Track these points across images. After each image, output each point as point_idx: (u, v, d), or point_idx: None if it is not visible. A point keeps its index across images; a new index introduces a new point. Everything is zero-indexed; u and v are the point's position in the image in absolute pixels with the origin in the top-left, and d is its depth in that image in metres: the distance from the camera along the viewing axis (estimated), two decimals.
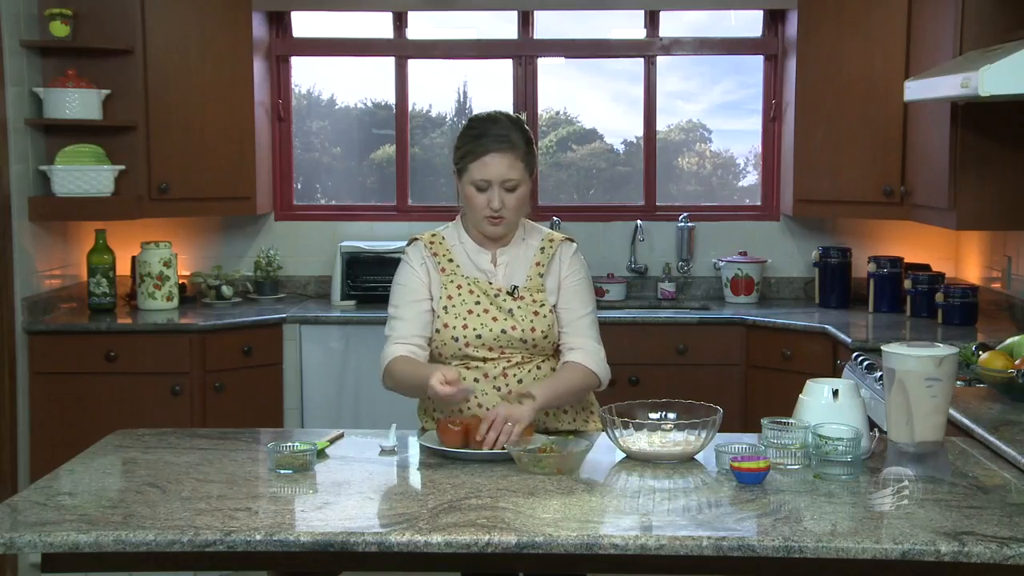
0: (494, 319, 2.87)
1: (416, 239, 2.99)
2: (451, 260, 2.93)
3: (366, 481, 2.47)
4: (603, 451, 2.68)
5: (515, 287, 2.91)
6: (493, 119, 2.89)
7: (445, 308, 2.88)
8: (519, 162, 2.84)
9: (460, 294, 2.89)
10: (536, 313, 2.89)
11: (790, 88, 5.18)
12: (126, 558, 2.17)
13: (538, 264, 2.94)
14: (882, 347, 2.53)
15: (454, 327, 2.86)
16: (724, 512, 2.23)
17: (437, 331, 2.89)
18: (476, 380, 2.87)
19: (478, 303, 2.89)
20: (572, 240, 3.02)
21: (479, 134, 2.85)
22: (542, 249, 2.96)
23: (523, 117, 2.96)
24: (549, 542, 2.09)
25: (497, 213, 2.84)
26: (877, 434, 2.62)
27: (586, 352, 2.91)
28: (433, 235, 2.99)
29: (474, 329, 2.86)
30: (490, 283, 2.91)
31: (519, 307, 2.89)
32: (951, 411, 2.78)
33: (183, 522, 2.16)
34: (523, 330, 2.87)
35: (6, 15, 4.49)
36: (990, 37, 3.93)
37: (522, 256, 2.95)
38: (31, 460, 4.61)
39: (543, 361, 2.93)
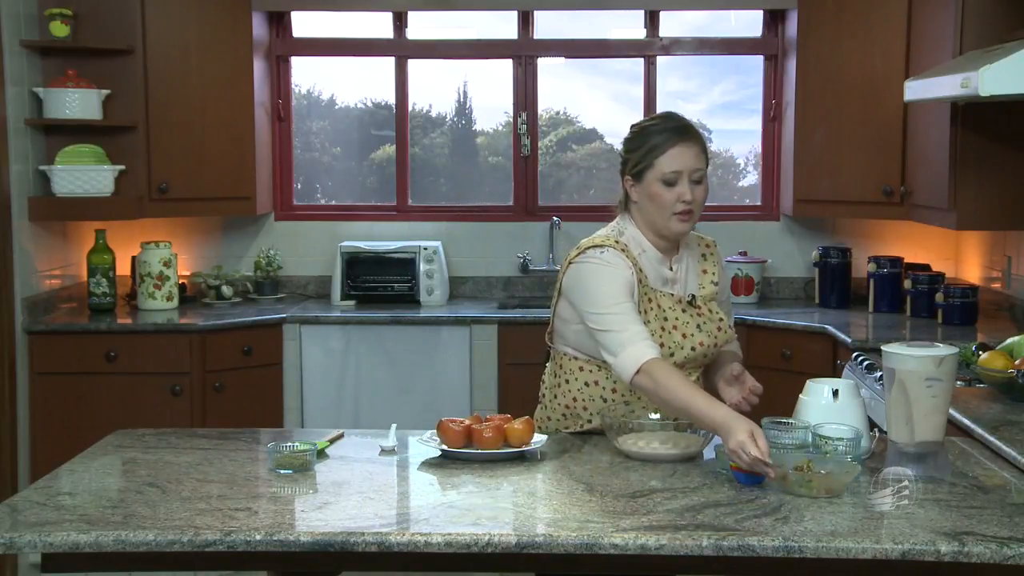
0: (683, 335, 2.79)
1: (601, 245, 2.79)
2: (640, 269, 2.79)
3: (366, 481, 2.47)
4: (603, 451, 2.68)
5: (693, 296, 2.85)
6: (666, 116, 2.83)
7: (644, 323, 2.74)
8: (703, 154, 2.78)
9: (652, 309, 2.78)
10: (719, 328, 2.86)
11: (790, 88, 5.19)
12: (126, 558, 2.17)
13: (705, 272, 2.90)
14: (882, 347, 2.53)
15: None
16: (724, 512, 2.23)
17: None
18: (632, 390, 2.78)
19: (667, 319, 2.79)
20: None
21: (660, 130, 2.76)
22: (704, 256, 2.92)
23: None
24: (549, 542, 2.09)
25: (688, 206, 2.74)
26: (877, 434, 2.62)
27: (736, 343, 3.01)
28: (617, 242, 2.80)
29: (668, 347, 2.76)
30: (672, 295, 2.83)
31: (704, 322, 2.83)
32: (951, 411, 2.78)
33: (183, 522, 2.16)
34: (709, 345, 2.83)
35: (6, 15, 4.50)
36: (990, 37, 3.93)
37: (692, 263, 2.90)
38: (31, 460, 4.61)
39: (701, 374, 2.90)
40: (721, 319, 2.88)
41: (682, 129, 2.77)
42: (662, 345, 2.73)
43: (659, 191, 2.75)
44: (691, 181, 2.75)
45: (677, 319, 2.80)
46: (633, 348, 2.62)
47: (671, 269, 2.85)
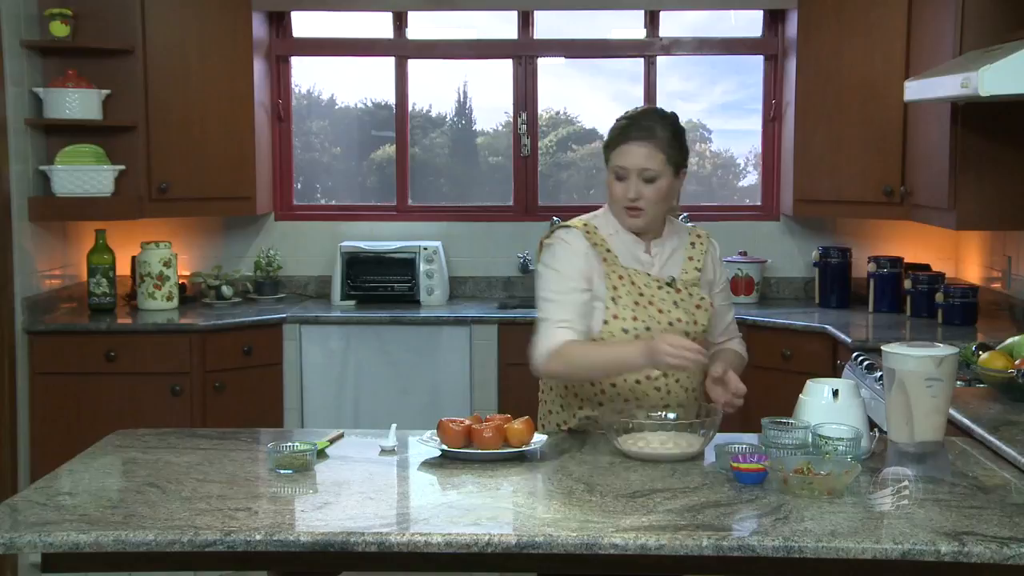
0: (660, 311, 2.83)
1: (567, 226, 2.87)
2: (608, 250, 2.84)
3: (366, 481, 2.46)
4: (603, 451, 2.68)
5: (673, 278, 2.88)
6: (643, 112, 2.88)
7: (613, 299, 2.80)
8: (659, 153, 2.78)
9: (623, 285, 2.82)
10: (698, 307, 2.88)
11: (790, 88, 5.19)
12: (126, 558, 2.17)
13: (691, 259, 2.93)
14: (882, 347, 2.53)
15: (624, 318, 2.79)
16: (724, 512, 2.23)
17: (605, 322, 2.80)
18: None
19: (642, 295, 2.83)
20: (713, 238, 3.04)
21: (625, 125, 2.83)
22: (692, 244, 2.95)
23: (675, 114, 2.90)
24: (549, 542, 2.09)
25: (633, 203, 2.79)
26: (877, 434, 2.62)
27: (740, 342, 3.07)
28: (585, 224, 2.88)
29: (643, 321, 2.80)
30: (648, 274, 2.86)
31: (682, 300, 2.86)
32: (951, 411, 2.78)
33: (183, 522, 2.16)
34: (687, 323, 2.84)
35: (6, 15, 4.50)
36: (990, 37, 3.93)
37: (676, 250, 2.92)
38: (31, 460, 4.61)
39: None
40: (702, 298, 2.89)
41: (637, 127, 2.80)
42: (635, 319, 2.79)
43: (611, 182, 2.84)
44: (641, 179, 2.79)
45: (653, 295, 2.84)
46: (547, 336, 2.76)
47: (648, 253, 2.89)
